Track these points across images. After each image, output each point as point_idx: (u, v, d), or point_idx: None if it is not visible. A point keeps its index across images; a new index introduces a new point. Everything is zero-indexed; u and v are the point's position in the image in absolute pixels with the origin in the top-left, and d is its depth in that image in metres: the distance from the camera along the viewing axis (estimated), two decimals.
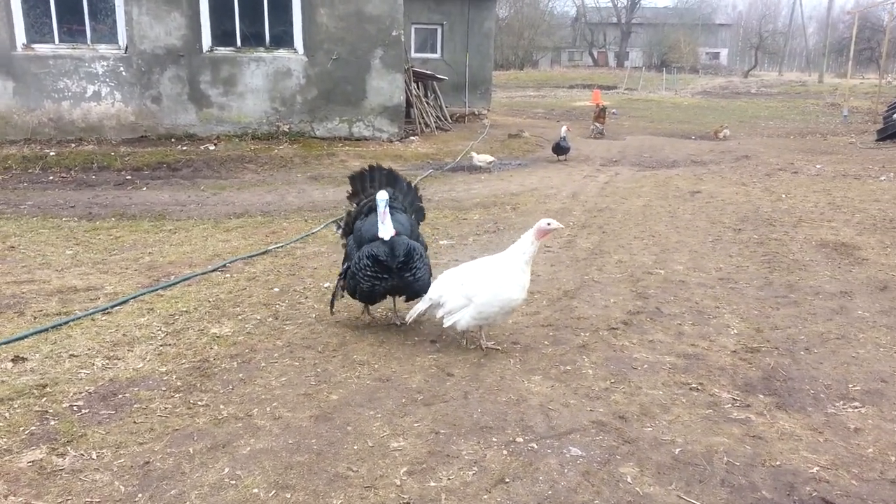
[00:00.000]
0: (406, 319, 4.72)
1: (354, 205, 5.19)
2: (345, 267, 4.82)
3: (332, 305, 4.99)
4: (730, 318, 5.15)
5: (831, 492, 3.04)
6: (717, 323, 5.06)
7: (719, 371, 4.26)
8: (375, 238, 4.55)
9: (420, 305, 4.58)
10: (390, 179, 5.19)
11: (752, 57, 74.46)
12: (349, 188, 5.35)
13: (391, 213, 4.60)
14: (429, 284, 4.63)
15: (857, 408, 3.82)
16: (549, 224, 4.20)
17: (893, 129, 17.13)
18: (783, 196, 9.98)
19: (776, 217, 8.55)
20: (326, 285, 5.83)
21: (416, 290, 4.68)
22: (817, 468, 3.23)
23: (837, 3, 64.54)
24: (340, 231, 5.25)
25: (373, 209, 4.71)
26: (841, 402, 3.88)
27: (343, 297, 4.94)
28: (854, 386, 4.07)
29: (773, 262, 6.61)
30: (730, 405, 3.84)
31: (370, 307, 5.05)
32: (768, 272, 6.32)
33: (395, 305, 5.11)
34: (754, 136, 20.59)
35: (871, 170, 12.45)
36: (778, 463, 3.27)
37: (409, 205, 5.18)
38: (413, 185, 5.39)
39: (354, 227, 4.93)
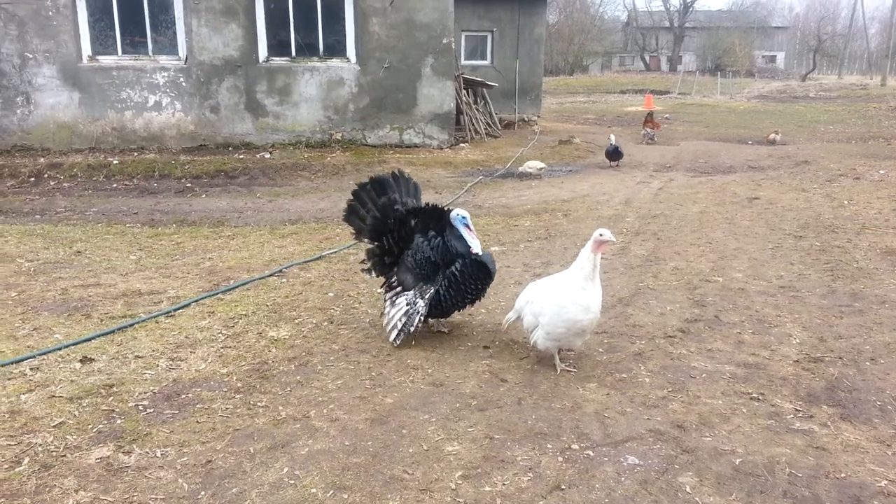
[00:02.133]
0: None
1: (366, 240, 5.00)
2: (432, 291, 4.60)
3: (400, 336, 4.62)
4: (791, 327, 5.02)
5: None
6: (779, 332, 4.94)
7: (781, 381, 4.15)
8: (463, 254, 4.59)
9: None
10: (378, 188, 4.95)
11: (810, 60, 72.41)
12: (351, 230, 5.17)
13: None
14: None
15: None
16: (601, 235, 4.07)
17: None
18: (845, 202, 9.68)
19: (838, 224, 8.30)
20: (379, 290, 5.89)
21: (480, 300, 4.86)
22: (885, 482, 3.12)
23: None
24: (374, 272, 4.99)
25: (404, 236, 4.75)
26: None
27: (419, 325, 4.66)
28: None
29: (836, 270, 6.42)
30: (792, 416, 3.74)
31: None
32: (831, 280, 6.14)
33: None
34: (813, 140, 20.01)
35: None
36: (843, 475, 3.17)
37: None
38: (406, 176, 5.16)
39: (407, 255, 4.74)
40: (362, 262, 5.13)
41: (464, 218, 4.64)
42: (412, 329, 4.60)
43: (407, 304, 4.65)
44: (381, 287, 4.98)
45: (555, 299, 4.16)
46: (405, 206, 4.87)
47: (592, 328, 4.32)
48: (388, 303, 4.82)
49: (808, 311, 5.35)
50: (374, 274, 5.01)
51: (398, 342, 4.63)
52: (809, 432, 3.57)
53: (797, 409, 3.81)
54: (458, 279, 4.57)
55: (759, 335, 4.88)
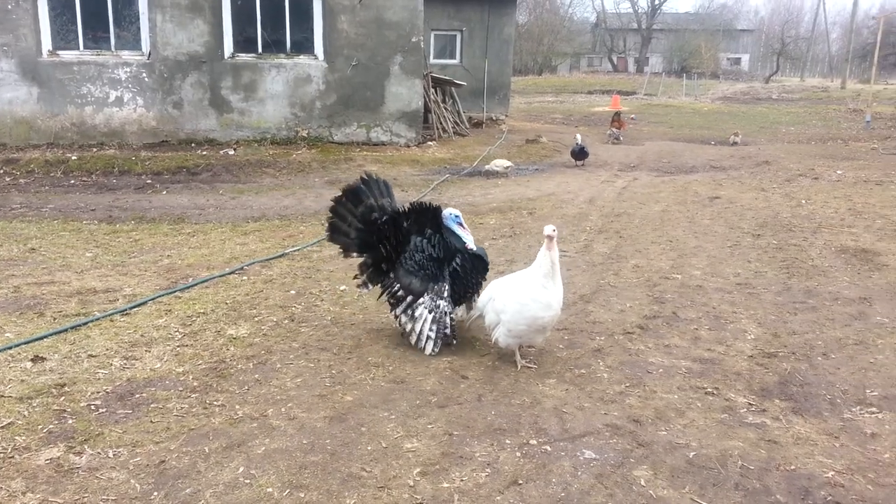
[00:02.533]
0: (464, 324, 4.85)
1: (354, 254, 4.90)
2: (447, 287, 4.54)
3: (438, 344, 4.50)
4: (747, 324, 5.11)
5: (846, 497, 3.01)
6: (735, 328, 5.02)
7: (735, 376, 4.23)
8: (460, 250, 4.58)
9: (472, 312, 4.66)
10: (353, 199, 4.81)
11: (773, 62, 73.82)
12: (338, 248, 5.01)
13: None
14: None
15: (874, 413, 3.78)
16: (544, 230, 4.07)
17: None
18: (803, 202, 9.88)
19: (796, 223, 8.47)
20: (342, 288, 5.87)
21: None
22: (833, 473, 3.19)
23: (862, 7, 63.84)
24: (370, 285, 4.86)
25: (401, 240, 4.67)
26: (858, 408, 3.84)
27: (453, 324, 4.60)
28: (871, 391, 4.03)
29: (791, 268, 6.55)
30: (745, 410, 3.81)
31: None
32: (787, 278, 6.26)
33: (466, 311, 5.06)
34: (775, 141, 20.39)
35: (894, 176, 12.29)
36: (793, 467, 3.24)
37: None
38: (374, 177, 5.01)
39: (405, 257, 4.63)
40: (355, 277, 4.96)
41: (456, 217, 4.62)
42: (447, 330, 4.51)
43: (430, 311, 4.50)
44: (379, 298, 4.81)
45: (516, 297, 4.16)
46: (383, 208, 4.77)
47: (553, 325, 4.33)
48: (404, 317, 4.61)
49: (763, 308, 5.45)
50: (370, 287, 4.86)
51: (437, 350, 4.49)
52: (762, 426, 3.64)
53: (750, 404, 3.88)
54: (461, 274, 4.55)
55: (715, 331, 4.96)
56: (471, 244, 4.59)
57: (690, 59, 65.45)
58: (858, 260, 6.79)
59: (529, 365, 4.35)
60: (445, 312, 4.51)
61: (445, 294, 4.53)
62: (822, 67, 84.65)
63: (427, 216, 4.74)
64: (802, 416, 3.75)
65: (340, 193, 4.88)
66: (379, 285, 4.80)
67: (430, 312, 4.50)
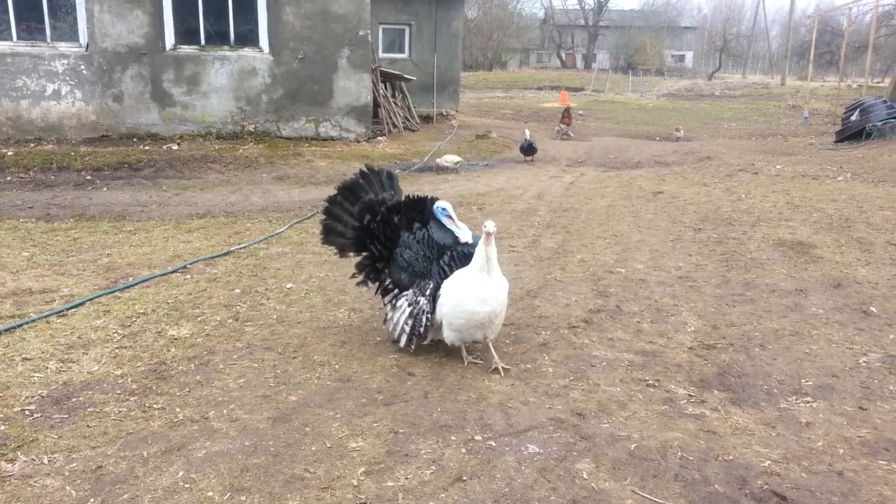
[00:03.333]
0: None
1: (352, 254, 4.74)
2: (432, 286, 4.37)
3: (412, 341, 4.41)
4: (687, 316, 5.23)
5: (782, 485, 3.11)
6: (675, 320, 5.14)
7: (676, 368, 4.32)
8: (449, 246, 4.41)
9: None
10: (350, 196, 4.69)
11: (716, 59, 75.61)
12: (333, 250, 4.86)
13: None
14: None
15: (808, 402, 3.91)
16: (485, 226, 4.02)
17: (851, 130, 17.53)
18: (743, 196, 10.15)
19: (735, 217, 8.70)
20: (289, 286, 5.80)
21: None
22: (769, 462, 3.29)
23: (799, 6, 65.94)
24: (369, 283, 4.73)
25: (391, 236, 4.52)
26: (793, 397, 3.96)
27: (428, 325, 4.41)
28: (806, 381, 4.17)
29: (731, 261, 6.72)
30: (685, 401, 3.90)
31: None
32: (726, 270, 6.43)
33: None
34: (717, 137, 20.91)
35: (829, 170, 12.73)
36: (731, 457, 3.33)
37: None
38: (376, 169, 4.93)
39: (396, 253, 4.52)
40: (353, 276, 4.80)
41: (444, 210, 4.44)
42: (422, 330, 4.35)
43: (409, 305, 4.40)
44: (377, 293, 4.72)
45: (454, 291, 4.16)
46: (384, 202, 4.59)
47: (496, 321, 4.24)
48: (388, 307, 4.57)
49: (703, 301, 5.58)
50: (369, 285, 4.72)
51: (412, 347, 4.41)
52: (701, 417, 3.73)
53: (690, 395, 3.97)
54: (447, 272, 4.36)
55: (656, 324, 5.06)
56: (464, 237, 4.39)
57: (636, 56, 66.67)
58: (795, 253, 7.01)
59: (476, 360, 4.37)
60: (423, 311, 4.35)
61: (428, 292, 4.37)
62: (762, 64, 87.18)
63: (416, 210, 4.59)
64: (740, 406, 3.86)
65: (335, 192, 4.73)
66: (378, 282, 4.68)
67: (409, 306, 4.40)
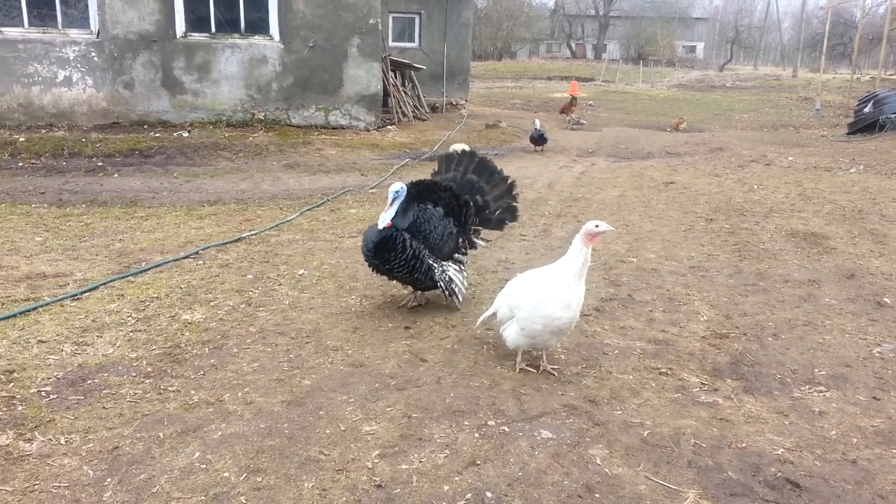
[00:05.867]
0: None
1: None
2: None
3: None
4: (700, 305, 5.22)
5: (795, 472, 3.11)
6: (688, 310, 5.13)
7: (688, 356, 4.32)
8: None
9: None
10: (479, 168, 5.19)
11: (727, 51, 75.13)
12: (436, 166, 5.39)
13: (426, 206, 4.89)
14: (427, 280, 4.79)
15: (821, 392, 3.90)
16: (597, 226, 3.71)
17: (864, 122, 17.40)
18: (755, 187, 10.10)
19: (748, 207, 8.66)
20: (301, 272, 5.81)
21: (405, 281, 4.93)
22: (782, 450, 3.29)
23: None
24: None
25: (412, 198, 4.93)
26: (806, 387, 3.96)
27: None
28: (819, 371, 4.16)
29: (743, 251, 6.70)
30: (698, 389, 3.90)
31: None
32: (738, 261, 6.40)
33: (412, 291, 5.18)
34: (728, 128, 20.80)
35: (842, 162, 12.65)
36: (744, 445, 3.33)
37: (494, 200, 5.21)
38: (509, 180, 5.32)
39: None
40: None
41: (390, 190, 4.71)
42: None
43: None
44: None
45: (535, 293, 3.84)
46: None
47: (572, 328, 3.99)
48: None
49: (715, 290, 5.57)
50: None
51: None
52: (714, 405, 3.72)
53: (703, 383, 3.97)
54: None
55: (669, 313, 5.05)
56: (380, 219, 4.70)
57: (647, 47, 66.23)
58: (808, 243, 6.98)
59: (529, 369, 4.05)
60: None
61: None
62: (774, 56, 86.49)
63: (429, 190, 4.99)
64: (753, 395, 3.85)
65: (480, 157, 5.30)
66: None
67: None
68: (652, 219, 8.03)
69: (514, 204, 5.33)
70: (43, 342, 4.27)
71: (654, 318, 4.94)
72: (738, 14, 79.12)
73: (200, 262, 6.08)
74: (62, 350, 4.17)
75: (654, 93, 36.63)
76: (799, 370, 4.17)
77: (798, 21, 63.01)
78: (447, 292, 4.88)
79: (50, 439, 3.22)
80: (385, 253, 4.66)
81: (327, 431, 3.36)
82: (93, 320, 4.64)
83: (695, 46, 80.00)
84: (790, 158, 13.20)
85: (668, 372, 4.09)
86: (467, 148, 13.12)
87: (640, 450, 3.26)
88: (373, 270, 4.90)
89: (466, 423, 3.47)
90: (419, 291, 5.10)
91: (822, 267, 6.23)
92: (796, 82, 43.19)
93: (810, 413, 3.66)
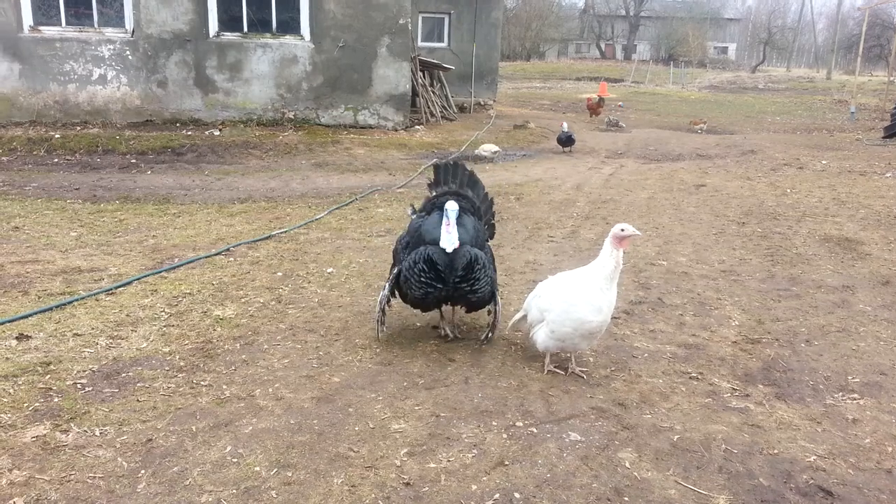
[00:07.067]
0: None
1: (434, 193, 4.81)
2: (395, 271, 4.33)
3: (379, 323, 4.35)
4: (731, 310, 5.16)
5: (828, 480, 3.06)
6: (719, 314, 5.07)
7: (719, 361, 4.27)
8: (436, 242, 4.13)
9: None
10: (471, 182, 4.92)
11: (760, 52, 74.12)
12: (432, 175, 5.04)
13: (461, 214, 4.30)
14: (490, 295, 4.28)
15: (855, 399, 3.84)
16: (622, 230, 3.70)
17: None
18: (788, 191, 9.96)
19: (780, 211, 8.54)
20: (329, 270, 5.86)
21: (474, 303, 4.30)
22: (815, 457, 3.25)
23: None
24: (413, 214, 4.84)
25: (436, 208, 4.41)
26: (840, 394, 3.90)
27: (388, 307, 4.42)
28: (853, 378, 4.09)
29: (776, 256, 6.61)
30: (729, 394, 3.85)
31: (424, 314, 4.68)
32: (771, 265, 6.32)
33: (452, 316, 4.69)
34: (760, 131, 20.52)
35: (877, 166, 12.41)
36: (775, 451, 3.29)
37: (483, 213, 4.86)
38: (490, 196, 5.09)
39: (411, 225, 4.53)
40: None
41: (448, 211, 4.13)
42: (377, 315, 4.31)
43: (381, 291, 4.42)
44: None
45: (566, 296, 3.83)
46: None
47: (602, 332, 3.96)
48: None
49: (747, 295, 5.50)
50: None
51: (379, 335, 4.40)
52: (745, 410, 3.68)
53: (734, 389, 3.93)
54: (408, 265, 4.16)
55: (699, 317, 5.00)
56: (444, 243, 4.08)
57: (678, 47, 65.55)
58: (842, 249, 6.87)
59: (557, 370, 4.03)
60: (386, 297, 4.33)
61: (390, 277, 4.38)
62: (807, 58, 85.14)
63: (439, 200, 4.48)
64: (785, 401, 3.80)
65: (470, 171, 5.07)
66: None
67: (381, 291, 4.44)
68: (682, 222, 7.96)
69: (494, 221, 5.11)
70: (78, 335, 4.35)
71: (684, 322, 4.90)
72: (771, 15, 78.02)
73: (231, 259, 6.15)
74: (97, 343, 4.25)
75: (684, 94, 36.26)
76: (832, 377, 4.10)
77: (833, 22, 61.99)
78: (498, 306, 4.40)
79: (85, 431, 3.29)
80: (471, 272, 4.13)
81: (356, 428, 3.38)
82: (127, 315, 4.72)
83: (727, 47, 79.02)
84: (824, 162, 12.98)
85: (699, 376, 4.05)
86: (497, 149, 13.07)
87: (670, 454, 3.24)
88: (427, 300, 4.22)
89: (494, 423, 3.47)
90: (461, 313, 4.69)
91: (856, 273, 6.12)
92: (830, 84, 42.48)
93: (844, 420, 3.60)
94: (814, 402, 3.81)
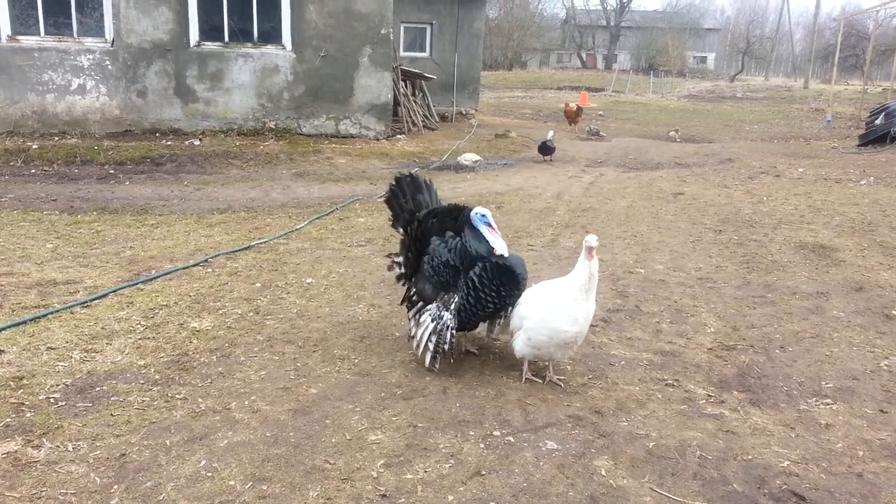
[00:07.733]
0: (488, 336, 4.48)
1: (401, 230, 4.58)
2: (457, 300, 4.09)
3: (437, 359, 4.13)
4: (707, 317, 5.21)
5: (800, 485, 3.10)
6: (695, 321, 5.12)
7: (695, 368, 4.31)
8: (483, 257, 4.04)
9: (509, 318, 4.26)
10: (416, 186, 4.58)
11: (738, 62, 74.99)
12: (390, 214, 4.74)
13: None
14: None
15: (828, 404, 3.88)
16: (586, 241, 3.75)
17: (875, 134, 17.33)
18: (764, 199, 10.07)
19: (757, 219, 8.64)
20: (309, 281, 5.84)
21: (498, 315, 4.29)
22: (788, 462, 3.28)
23: (824, 9, 65.32)
24: (403, 274, 4.57)
25: (420, 237, 4.31)
26: (813, 399, 3.94)
27: (453, 341, 4.13)
28: (827, 383, 4.14)
29: (751, 263, 6.68)
30: (704, 401, 3.89)
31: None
32: (747, 272, 6.39)
33: (488, 330, 4.51)
34: (738, 139, 20.76)
35: (852, 174, 12.60)
36: (749, 457, 3.32)
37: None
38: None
39: (424, 261, 4.29)
40: (389, 255, 4.79)
41: (484, 216, 4.10)
42: (446, 347, 4.07)
43: (433, 321, 4.10)
44: (402, 303, 4.56)
45: (543, 305, 3.91)
46: (419, 208, 4.48)
47: (579, 342, 4.02)
48: (412, 322, 4.29)
49: (723, 302, 5.56)
50: (401, 268, 4.55)
51: (436, 366, 4.13)
52: (720, 417, 3.72)
53: (709, 395, 3.96)
54: (475, 285, 4.00)
55: (676, 324, 5.04)
56: (499, 249, 4.04)
57: (658, 57, 66.23)
58: (816, 255, 6.96)
59: (535, 379, 4.07)
60: (448, 326, 4.06)
61: (452, 306, 4.09)
62: (785, 67, 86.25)
63: (449, 216, 4.34)
64: (760, 407, 3.84)
65: (410, 175, 4.66)
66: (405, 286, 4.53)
67: (432, 321, 4.11)
68: (660, 230, 8.03)
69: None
70: (52, 349, 4.30)
71: (661, 330, 4.93)
72: (749, 25, 79.03)
73: (209, 270, 6.12)
74: (71, 357, 4.21)
75: (664, 103, 36.60)
76: (806, 382, 4.15)
77: (810, 32, 62.85)
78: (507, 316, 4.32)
79: (58, 446, 3.25)
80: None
81: (333, 440, 3.37)
82: (102, 327, 4.68)
83: (706, 57, 79.91)
84: (800, 170, 13.16)
85: (675, 383, 4.08)
86: (478, 158, 13.08)
87: (646, 461, 3.26)
88: (502, 309, 4.18)
89: (472, 433, 3.48)
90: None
91: (830, 279, 6.21)
92: (807, 93, 43.08)
93: (817, 426, 3.65)
94: (787, 407, 3.85)
